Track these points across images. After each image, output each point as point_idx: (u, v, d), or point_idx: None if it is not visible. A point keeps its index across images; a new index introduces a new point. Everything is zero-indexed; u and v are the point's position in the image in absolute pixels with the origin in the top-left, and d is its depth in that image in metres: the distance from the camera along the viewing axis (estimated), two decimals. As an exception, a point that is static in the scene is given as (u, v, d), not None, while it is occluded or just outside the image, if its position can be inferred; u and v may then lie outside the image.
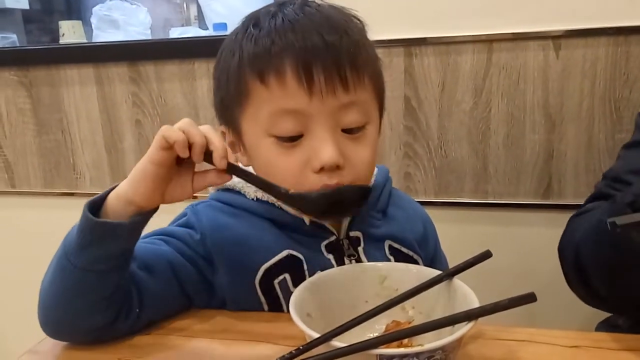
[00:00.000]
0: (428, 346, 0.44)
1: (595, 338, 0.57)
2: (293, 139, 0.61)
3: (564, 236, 0.79)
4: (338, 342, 0.46)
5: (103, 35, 1.76)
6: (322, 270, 0.61)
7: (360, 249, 0.70)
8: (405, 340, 0.52)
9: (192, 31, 1.89)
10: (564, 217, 0.82)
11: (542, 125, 1.15)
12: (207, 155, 0.55)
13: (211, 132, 0.56)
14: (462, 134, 1.19)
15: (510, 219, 1.21)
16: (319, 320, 0.52)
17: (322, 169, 0.60)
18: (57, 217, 1.13)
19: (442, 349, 0.44)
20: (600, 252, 0.65)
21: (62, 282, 0.58)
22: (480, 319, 0.47)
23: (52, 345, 0.61)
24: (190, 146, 0.54)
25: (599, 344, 0.56)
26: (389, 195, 0.76)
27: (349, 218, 0.70)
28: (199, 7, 1.99)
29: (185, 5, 2.16)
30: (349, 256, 0.69)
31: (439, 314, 0.53)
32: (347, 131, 0.62)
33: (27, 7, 2.12)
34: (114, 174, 1.43)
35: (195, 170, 0.59)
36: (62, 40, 1.72)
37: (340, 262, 0.68)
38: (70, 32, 1.73)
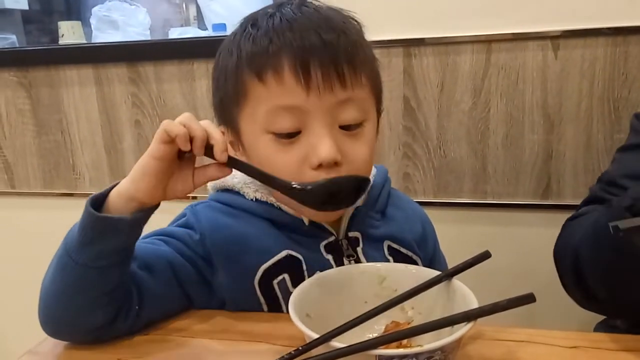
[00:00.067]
0: (427, 347, 0.44)
1: (594, 339, 0.57)
2: (291, 136, 0.62)
3: (560, 240, 0.79)
4: (337, 343, 0.46)
5: (102, 35, 1.76)
6: (321, 271, 0.61)
7: (359, 249, 0.70)
8: (405, 341, 0.52)
9: (192, 32, 1.89)
10: (563, 218, 0.82)
11: (541, 125, 1.15)
12: (208, 150, 0.56)
13: (211, 127, 0.57)
14: (461, 134, 1.19)
15: (509, 219, 1.22)
16: (318, 321, 0.52)
17: (320, 166, 0.60)
18: (56, 217, 1.13)
19: (442, 349, 0.44)
20: (599, 256, 0.65)
21: (64, 279, 0.58)
22: (479, 320, 0.47)
23: (52, 345, 0.61)
24: (191, 140, 0.55)
25: (598, 344, 0.56)
26: (388, 195, 0.77)
27: (348, 218, 0.70)
28: (198, 7, 1.99)
29: (184, 5, 2.17)
30: (348, 256, 0.69)
31: (438, 315, 0.53)
32: (345, 128, 0.63)
33: (26, 7, 2.11)
34: (114, 174, 1.43)
35: (196, 166, 0.59)
36: (62, 41, 1.72)
37: (340, 263, 0.68)
38: (69, 33, 1.73)
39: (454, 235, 1.14)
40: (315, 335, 0.47)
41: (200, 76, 1.31)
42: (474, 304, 0.50)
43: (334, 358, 0.45)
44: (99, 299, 0.58)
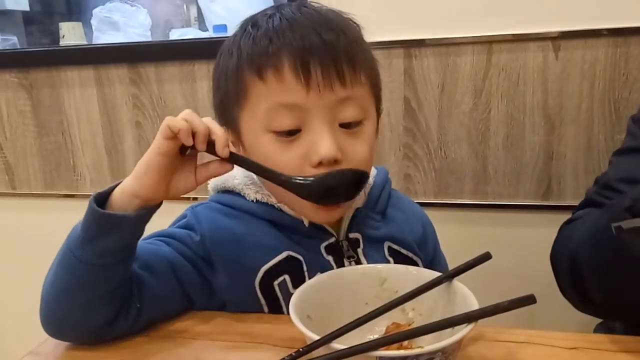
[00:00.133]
0: (428, 348, 0.44)
1: (594, 340, 0.57)
2: (291, 134, 0.62)
3: (557, 243, 0.78)
4: (338, 344, 0.46)
5: (103, 37, 1.76)
6: (321, 272, 0.61)
7: (359, 250, 0.70)
8: (405, 342, 0.52)
9: (192, 33, 1.89)
10: (564, 219, 0.82)
11: (541, 126, 1.15)
12: (210, 146, 0.57)
13: (212, 123, 0.58)
14: (461, 135, 1.19)
15: (509, 220, 1.21)
16: (318, 322, 0.52)
17: (320, 164, 0.61)
18: (57, 218, 1.13)
19: (442, 350, 0.44)
20: (598, 258, 0.65)
21: (66, 277, 0.58)
22: (480, 321, 0.47)
23: (53, 346, 0.61)
24: (193, 135, 0.56)
25: (598, 345, 0.56)
26: (388, 196, 0.77)
27: (349, 219, 0.70)
28: (198, 8, 1.99)
29: (185, 6, 2.17)
30: (348, 257, 0.69)
31: (438, 316, 0.53)
32: (345, 126, 0.63)
33: (27, 8, 2.11)
34: (114, 175, 1.44)
35: (197, 164, 0.60)
36: (63, 42, 1.72)
37: (340, 264, 0.68)
38: (70, 34, 1.73)
39: (455, 236, 1.14)
40: (316, 337, 0.47)
41: (201, 77, 1.31)
42: (475, 305, 0.50)
43: None
44: (101, 298, 0.58)
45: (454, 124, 1.19)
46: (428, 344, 0.46)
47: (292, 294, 0.54)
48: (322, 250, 0.68)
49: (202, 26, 2.03)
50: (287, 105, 0.61)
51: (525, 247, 1.20)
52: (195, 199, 1.31)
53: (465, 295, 0.53)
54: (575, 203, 0.81)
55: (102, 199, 0.57)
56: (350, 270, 0.63)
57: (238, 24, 0.69)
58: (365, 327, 0.54)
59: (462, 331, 0.46)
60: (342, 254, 0.69)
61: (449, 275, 0.56)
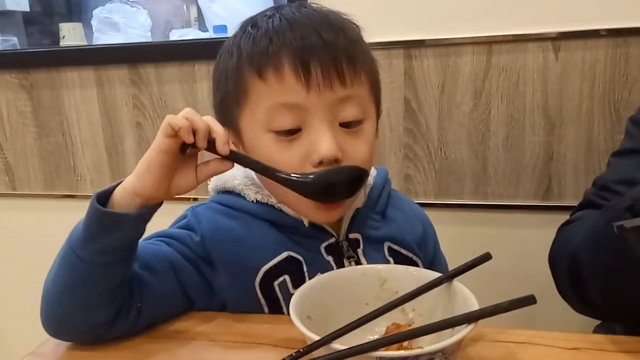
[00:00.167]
0: (428, 348, 0.44)
1: (595, 340, 0.57)
2: (291, 133, 0.62)
3: (555, 244, 0.78)
4: (338, 345, 0.46)
5: (103, 37, 1.76)
6: (322, 272, 0.61)
7: (359, 250, 0.70)
8: (405, 343, 0.52)
9: (192, 33, 1.89)
10: (564, 219, 0.82)
11: (541, 127, 1.15)
12: (210, 144, 0.57)
13: (213, 121, 0.58)
14: (461, 135, 1.19)
15: (510, 221, 1.22)
16: (319, 323, 0.52)
17: (321, 163, 0.61)
18: (57, 219, 1.13)
19: (442, 351, 0.44)
20: (598, 259, 0.65)
21: (67, 276, 0.58)
22: (480, 321, 0.47)
23: (53, 347, 0.61)
24: (194, 132, 0.56)
25: (599, 346, 0.56)
26: (388, 197, 0.77)
27: (349, 220, 0.71)
28: (199, 9, 1.99)
29: (185, 7, 2.17)
30: (348, 258, 0.69)
31: (438, 317, 0.53)
32: (345, 125, 0.63)
33: (27, 9, 2.12)
34: (115, 176, 1.44)
35: (198, 162, 0.60)
36: (63, 43, 1.72)
37: (340, 264, 0.68)
38: (70, 35, 1.73)
39: (455, 237, 1.14)
40: (316, 337, 0.47)
41: (201, 78, 1.31)
42: (475, 306, 0.50)
43: (335, 360, 0.45)
44: (102, 297, 0.58)
45: (454, 125, 1.19)
46: (428, 344, 0.46)
47: (292, 294, 0.54)
48: (322, 251, 0.68)
49: (202, 27, 2.03)
50: (288, 104, 0.61)
51: (526, 248, 1.20)
52: (195, 199, 1.31)
53: (465, 295, 0.53)
54: (576, 203, 0.81)
55: (103, 198, 0.58)
56: (350, 270, 0.63)
57: (238, 24, 0.69)
58: (365, 328, 0.54)
59: (462, 332, 0.46)
60: (342, 255, 0.69)
61: (449, 276, 0.56)
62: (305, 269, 0.67)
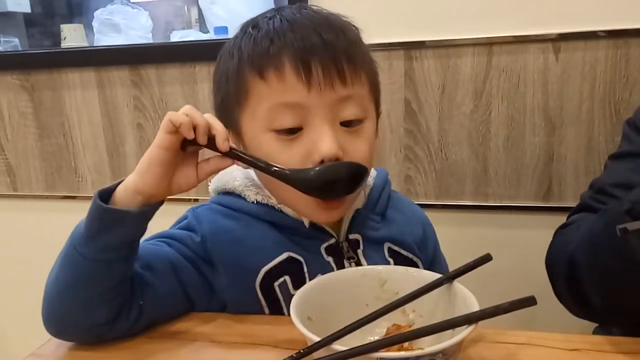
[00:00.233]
0: (428, 349, 0.44)
1: (595, 341, 0.57)
2: (292, 132, 0.62)
3: (552, 247, 0.78)
4: (339, 346, 0.46)
5: (104, 39, 1.76)
6: (322, 273, 0.61)
7: (359, 251, 0.70)
8: (406, 344, 0.52)
9: (193, 34, 1.89)
10: (565, 220, 0.82)
11: (542, 127, 1.15)
12: (210, 142, 0.58)
13: (212, 118, 0.59)
14: (462, 136, 1.19)
15: (510, 222, 1.22)
16: (319, 324, 0.52)
17: (322, 162, 0.61)
18: (58, 220, 1.13)
19: (443, 352, 0.44)
20: (596, 262, 0.64)
21: (69, 274, 0.59)
22: (480, 322, 0.47)
23: (55, 347, 0.62)
24: (194, 129, 0.57)
25: (599, 347, 0.56)
26: (388, 197, 0.77)
27: (349, 220, 0.71)
28: (199, 10, 1.99)
29: (186, 8, 2.17)
30: (348, 259, 0.69)
31: (439, 318, 0.53)
32: (346, 125, 0.64)
33: (28, 10, 2.12)
34: (116, 177, 1.44)
35: (199, 161, 0.61)
36: (64, 44, 1.72)
37: (340, 265, 0.68)
38: (71, 36, 1.73)
39: (455, 238, 1.14)
40: (317, 338, 0.47)
41: (202, 79, 1.31)
42: (475, 307, 0.50)
43: (335, 361, 0.45)
44: (103, 295, 0.59)
45: (454, 126, 1.19)
46: (428, 345, 0.46)
47: (293, 294, 0.54)
48: (322, 252, 0.69)
49: (203, 28, 2.03)
50: (289, 104, 0.62)
51: (526, 249, 1.20)
52: (196, 200, 1.32)
53: (465, 296, 0.53)
54: (576, 204, 0.81)
55: (105, 196, 0.58)
56: (350, 271, 0.63)
57: (238, 26, 0.69)
58: (365, 329, 0.54)
59: (463, 333, 0.46)
60: (342, 255, 0.69)
61: (450, 277, 0.56)
62: (305, 269, 0.67)
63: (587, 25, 1.08)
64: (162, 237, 0.69)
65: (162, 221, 0.68)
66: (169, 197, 0.61)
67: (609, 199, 0.73)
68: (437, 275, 0.57)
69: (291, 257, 0.67)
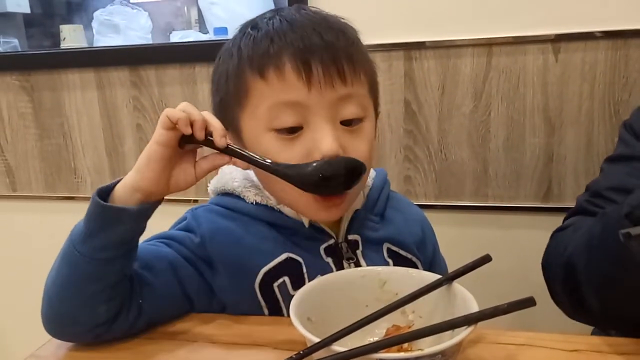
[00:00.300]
0: (428, 350, 0.44)
1: (594, 342, 0.57)
2: (293, 131, 0.62)
3: (549, 251, 0.78)
4: (338, 347, 0.46)
5: (104, 39, 1.76)
6: (321, 274, 0.61)
7: (358, 252, 0.70)
8: (406, 345, 0.52)
9: (193, 35, 1.90)
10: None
11: (541, 128, 1.16)
12: (208, 139, 0.58)
13: (210, 115, 0.59)
14: (462, 137, 1.20)
15: (510, 223, 1.22)
16: (319, 325, 0.52)
17: None
18: (58, 221, 1.13)
19: (442, 353, 0.44)
20: (595, 265, 0.64)
21: (68, 273, 0.59)
22: (479, 323, 0.47)
23: (54, 348, 0.62)
24: (192, 125, 0.57)
25: (598, 347, 0.56)
26: (387, 198, 0.77)
27: (348, 221, 0.71)
28: (199, 11, 1.99)
29: (185, 9, 2.17)
30: (347, 259, 0.69)
31: (438, 318, 0.53)
32: (346, 123, 0.64)
33: (28, 11, 2.12)
34: (115, 178, 1.42)
35: (197, 159, 0.61)
36: (63, 45, 1.72)
37: (339, 265, 0.68)
38: (71, 37, 1.73)
39: (455, 238, 1.14)
40: (317, 339, 0.47)
41: (202, 80, 1.31)
42: (475, 308, 0.50)
43: (335, 362, 0.45)
44: (103, 293, 0.59)
45: (454, 126, 1.19)
46: (428, 346, 0.46)
47: (292, 295, 0.54)
48: (322, 252, 0.69)
49: (203, 29, 2.03)
50: (289, 103, 0.62)
51: (526, 249, 1.20)
52: (195, 201, 1.32)
53: (465, 297, 0.53)
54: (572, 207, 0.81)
55: (105, 194, 0.58)
56: (350, 272, 0.63)
57: (237, 27, 0.69)
58: (365, 330, 0.54)
59: (462, 333, 0.46)
60: (342, 256, 0.69)
61: (449, 278, 0.56)
62: (304, 270, 0.67)
63: (587, 26, 1.08)
64: (162, 237, 0.69)
65: (162, 222, 0.68)
66: (168, 197, 0.61)
67: (605, 202, 0.73)
68: (436, 276, 0.57)
69: (290, 258, 0.67)
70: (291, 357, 0.48)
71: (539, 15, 1.10)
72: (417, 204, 0.85)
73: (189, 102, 0.60)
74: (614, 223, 0.59)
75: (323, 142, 0.61)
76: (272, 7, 1.64)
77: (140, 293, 0.62)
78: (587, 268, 0.66)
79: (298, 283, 0.64)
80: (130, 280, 0.62)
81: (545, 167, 1.17)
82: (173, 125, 0.56)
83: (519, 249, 1.21)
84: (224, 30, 1.64)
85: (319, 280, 0.59)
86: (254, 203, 0.70)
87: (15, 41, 1.95)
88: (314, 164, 0.59)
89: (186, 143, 0.59)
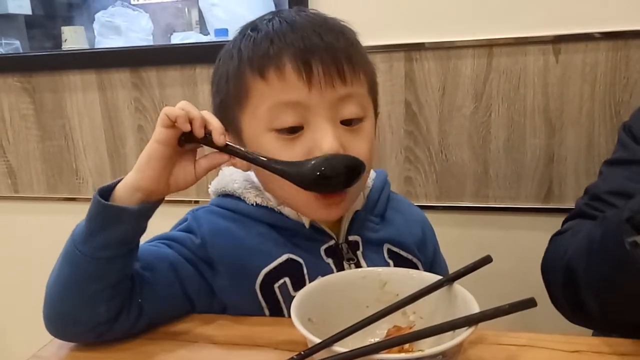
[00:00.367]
0: (429, 351, 0.44)
1: (596, 343, 0.57)
2: (293, 131, 0.63)
3: (548, 254, 0.77)
4: (339, 347, 0.46)
5: (105, 41, 1.77)
6: (322, 275, 0.61)
7: (359, 253, 0.70)
8: (407, 346, 0.52)
9: (194, 36, 1.90)
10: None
11: (542, 129, 1.16)
12: (207, 138, 0.58)
13: (209, 114, 0.59)
14: (462, 138, 1.20)
15: (510, 223, 1.22)
16: (320, 325, 0.52)
17: None
18: (59, 222, 1.13)
19: (443, 354, 0.44)
20: (595, 269, 0.64)
21: (69, 272, 0.59)
22: (480, 324, 0.47)
23: (56, 349, 0.62)
24: (191, 122, 0.57)
25: (599, 348, 0.56)
26: (387, 199, 0.77)
27: (348, 222, 0.71)
28: (200, 12, 1.99)
29: (186, 10, 2.17)
30: (348, 260, 0.69)
31: (439, 319, 0.53)
32: (346, 123, 0.64)
33: (29, 12, 2.13)
34: (117, 179, 1.44)
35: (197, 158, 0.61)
36: (65, 46, 1.73)
37: (340, 266, 0.68)
38: (72, 38, 1.73)
39: (456, 239, 1.14)
40: (317, 340, 0.47)
41: (203, 81, 1.31)
42: (475, 309, 0.50)
43: (336, 362, 0.45)
44: (103, 292, 0.59)
45: (454, 127, 1.19)
46: (429, 347, 0.46)
47: (293, 296, 0.54)
48: (322, 253, 0.69)
49: (204, 30, 2.03)
50: (290, 103, 0.62)
51: (526, 250, 1.20)
52: (196, 202, 1.32)
53: (466, 298, 0.53)
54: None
55: (106, 194, 0.58)
56: (351, 273, 0.63)
57: (237, 29, 0.70)
58: (366, 330, 0.54)
59: (463, 334, 0.46)
60: (342, 257, 0.69)
61: (450, 279, 0.56)
62: (305, 271, 0.67)
63: (587, 27, 1.08)
64: (162, 238, 0.69)
65: (163, 222, 0.68)
66: (168, 198, 0.62)
67: (604, 206, 0.73)
68: (437, 277, 0.57)
69: (291, 259, 0.67)
70: (292, 357, 0.48)
71: (539, 16, 1.10)
72: (417, 205, 0.85)
73: (187, 101, 0.60)
74: (614, 227, 0.59)
75: (324, 141, 0.61)
76: (273, 8, 1.64)
77: (141, 293, 0.62)
78: (587, 272, 0.65)
79: (299, 284, 0.64)
80: (131, 280, 0.62)
81: (546, 168, 1.17)
82: (172, 123, 0.57)
83: (519, 249, 1.21)
84: (224, 31, 1.65)
85: (320, 281, 0.59)
86: (255, 204, 0.70)
87: (17, 43, 1.95)
88: (313, 162, 0.59)
89: (186, 142, 0.59)
